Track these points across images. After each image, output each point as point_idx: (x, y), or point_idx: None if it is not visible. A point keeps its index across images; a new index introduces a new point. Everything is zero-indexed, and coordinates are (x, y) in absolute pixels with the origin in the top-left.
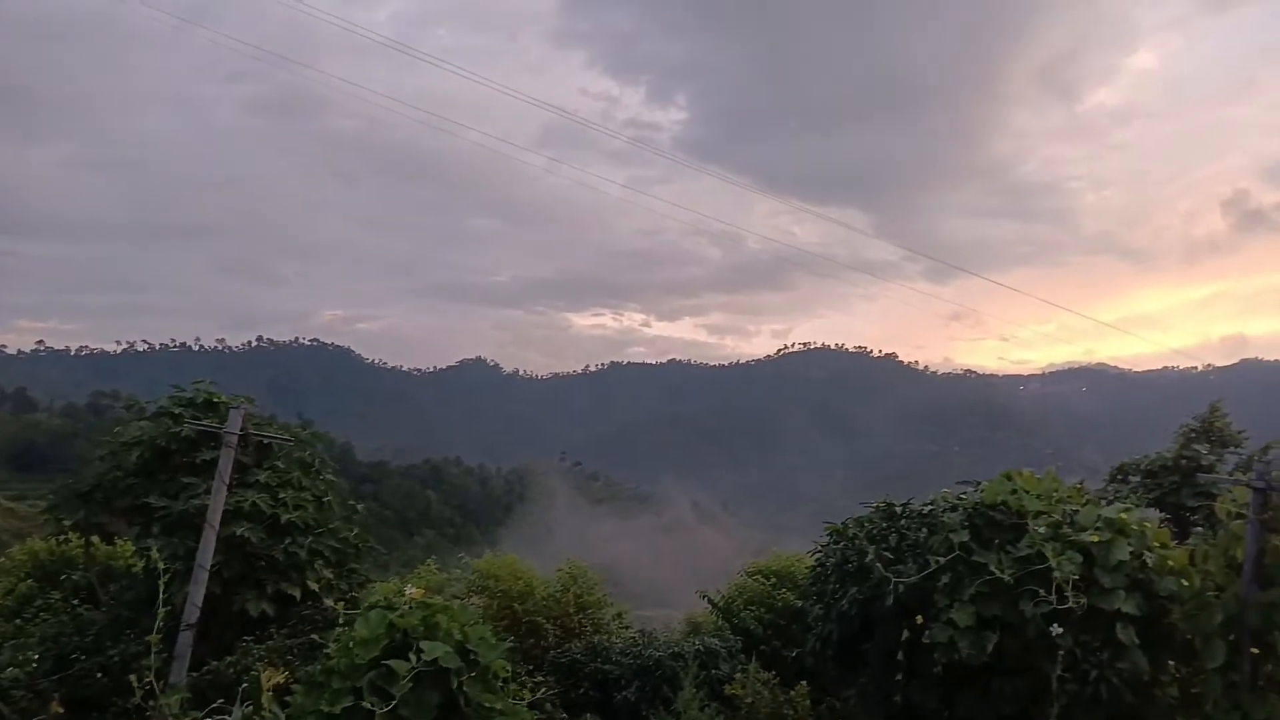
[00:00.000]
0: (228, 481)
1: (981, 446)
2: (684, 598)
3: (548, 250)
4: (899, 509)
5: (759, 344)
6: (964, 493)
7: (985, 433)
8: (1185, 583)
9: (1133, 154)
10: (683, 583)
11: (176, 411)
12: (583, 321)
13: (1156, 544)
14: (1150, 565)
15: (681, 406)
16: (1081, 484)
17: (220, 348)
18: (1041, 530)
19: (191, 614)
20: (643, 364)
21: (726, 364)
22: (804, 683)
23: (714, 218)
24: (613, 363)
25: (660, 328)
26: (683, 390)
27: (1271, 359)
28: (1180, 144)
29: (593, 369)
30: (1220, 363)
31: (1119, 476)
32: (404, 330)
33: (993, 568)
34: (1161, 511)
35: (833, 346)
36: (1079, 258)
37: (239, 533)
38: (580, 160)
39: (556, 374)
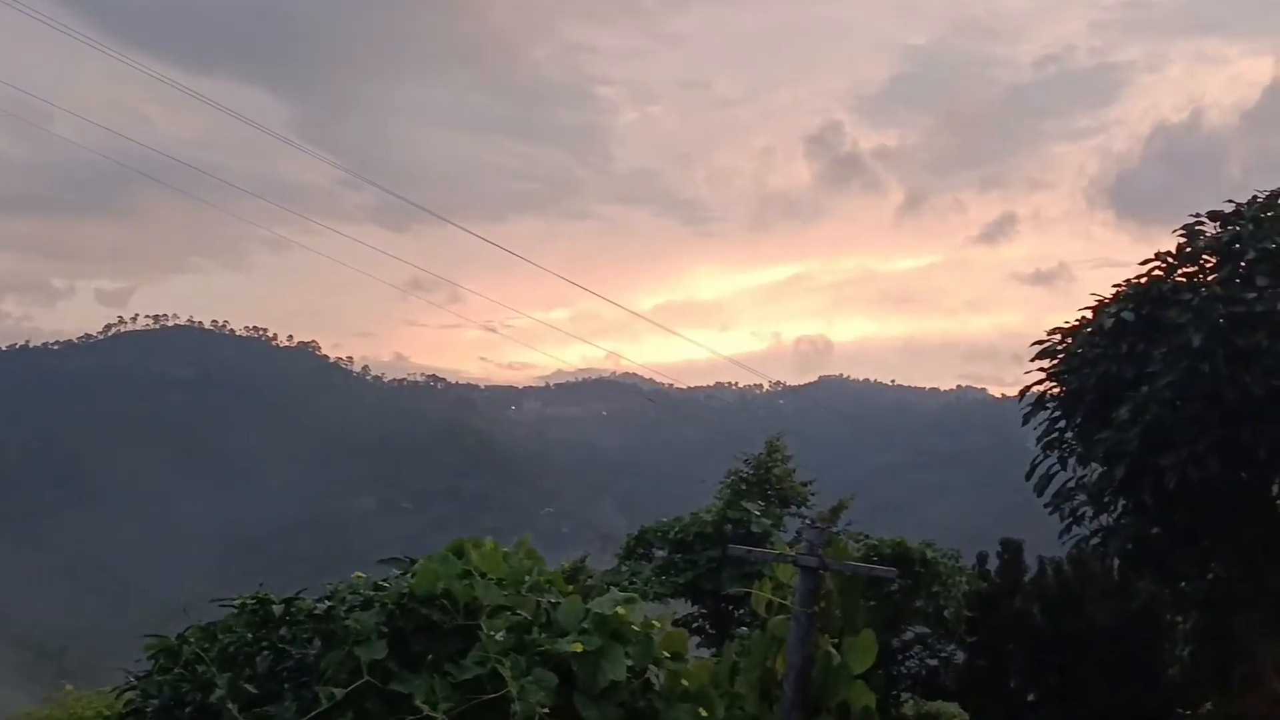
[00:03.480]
0: None
1: (450, 499)
2: None
3: None
4: (279, 607)
5: (75, 313)
6: (386, 577)
7: (456, 478)
8: (704, 712)
9: (691, 54)
10: None
11: None
12: None
13: (667, 654)
14: (657, 688)
15: None
16: (583, 561)
17: None
18: (500, 637)
19: None
20: None
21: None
22: None
23: None
24: None
25: None
26: None
27: (858, 377)
28: (756, 46)
29: None
30: (794, 380)
31: (639, 549)
32: None
33: (419, 700)
34: (695, 602)
35: (209, 325)
36: (608, 206)
37: None
38: None
39: None
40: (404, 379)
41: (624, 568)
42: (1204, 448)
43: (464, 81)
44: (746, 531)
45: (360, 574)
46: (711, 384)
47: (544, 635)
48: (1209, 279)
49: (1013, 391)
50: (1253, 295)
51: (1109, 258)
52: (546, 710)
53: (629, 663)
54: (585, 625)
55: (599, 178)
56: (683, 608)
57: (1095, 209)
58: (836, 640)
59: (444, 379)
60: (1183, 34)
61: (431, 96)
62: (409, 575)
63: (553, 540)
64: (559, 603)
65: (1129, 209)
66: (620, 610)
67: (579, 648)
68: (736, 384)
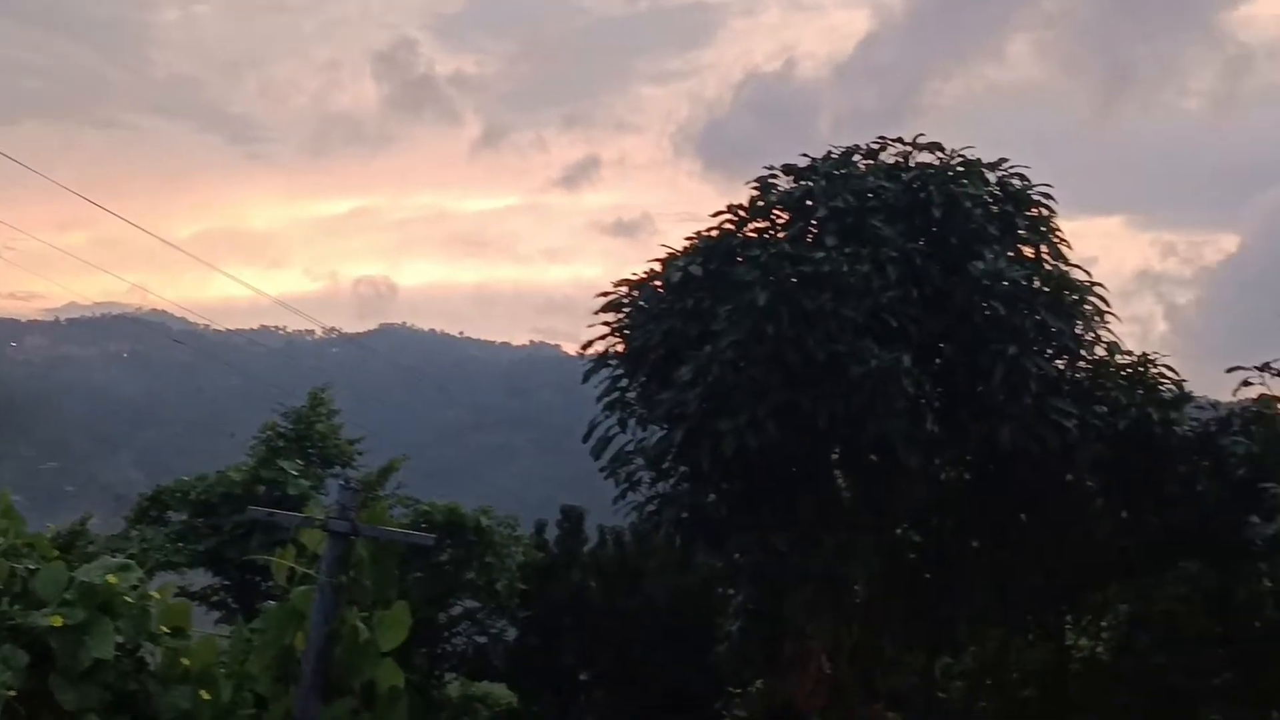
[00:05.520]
0: None
1: None
2: None
3: None
4: None
5: None
6: None
7: None
8: (205, 695)
9: None
10: None
11: None
12: None
13: (167, 629)
14: (151, 668)
15: None
16: (84, 524)
17: None
18: None
19: None
20: None
21: None
22: None
23: None
24: None
25: None
26: None
27: (423, 327)
28: None
29: None
30: (352, 327)
31: (154, 512)
32: None
33: None
34: (218, 573)
35: None
36: (141, 116)
37: None
38: None
39: None
40: None
41: (134, 533)
42: (764, 413)
43: None
44: (282, 494)
45: None
46: (255, 327)
47: (17, 607)
48: (780, 235)
49: (591, 352)
50: (821, 255)
51: (694, 211)
52: (14, 693)
53: (119, 639)
54: (68, 596)
55: (131, 81)
56: (203, 579)
57: (682, 158)
58: (367, 614)
59: None
60: None
61: None
62: None
63: (55, 500)
64: (38, 569)
65: (717, 159)
66: (111, 579)
67: (58, 621)
68: (285, 328)
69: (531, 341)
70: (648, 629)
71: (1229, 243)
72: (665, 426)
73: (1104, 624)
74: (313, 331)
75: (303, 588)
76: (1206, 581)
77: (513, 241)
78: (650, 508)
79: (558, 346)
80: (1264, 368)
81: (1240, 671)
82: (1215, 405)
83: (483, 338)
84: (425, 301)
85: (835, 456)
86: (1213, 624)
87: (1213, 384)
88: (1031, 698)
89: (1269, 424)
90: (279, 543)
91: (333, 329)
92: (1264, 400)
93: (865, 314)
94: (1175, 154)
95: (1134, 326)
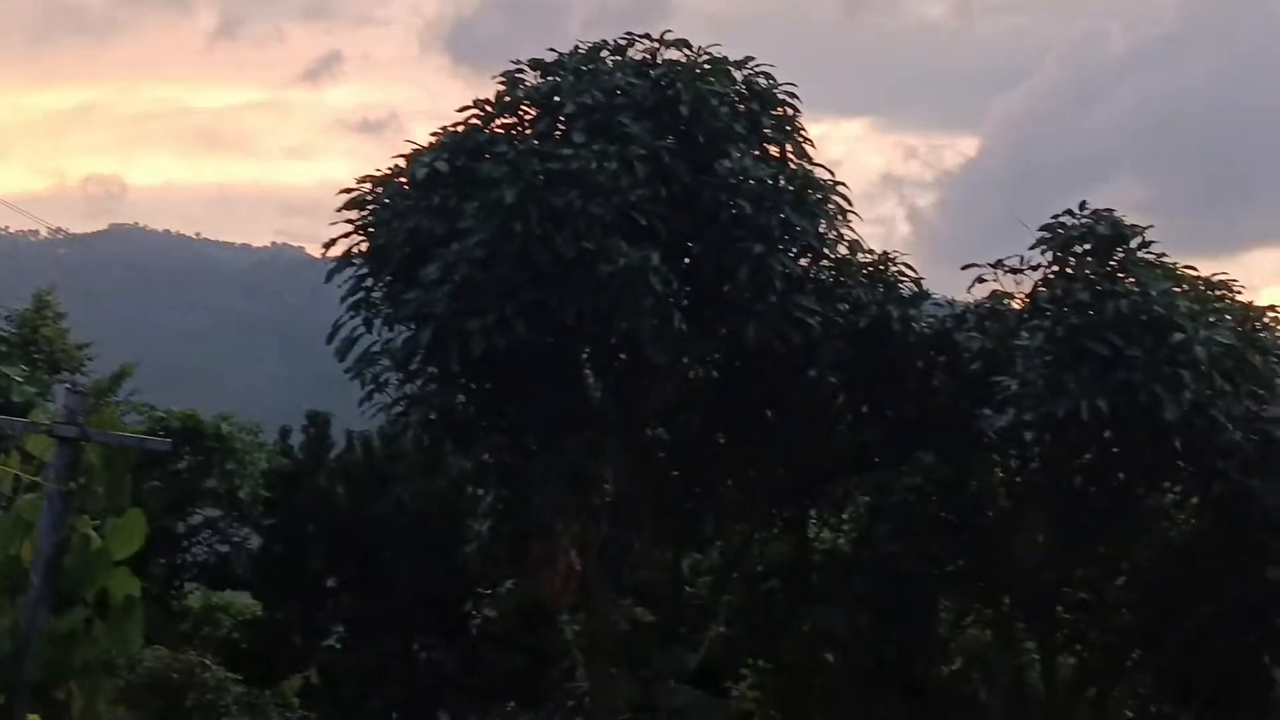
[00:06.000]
0: None
1: None
2: None
3: None
4: None
5: None
6: None
7: None
8: None
9: None
10: None
11: None
12: None
13: None
14: None
15: None
16: None
17: None
18: None
19: None
20: None
21: None
22: None
23: None
24: None
25: None
26: None
27: (157, 227)
28: None
29: None
30: (80, 228)
31: None
32: None
33: None
34: None
35: None
36: None
37: None
38: None
39: None
40: None
41: None
42: (512, 312)
43: None
44: (5, 400)
45: None
46: None
47: None
48: (527, 132)
49: (335, 253)
50: (569, 152)
51: (443, 110)
52: None
53: None
54: None
55: None
56: None
57: (430, 54)
58: (98, 522)
59: None
60: None
61: None
62: None
63: None
64: None
65: (465, 57)
66: None
67: None
68: (7, 229)
69: (274, 243)
70: (396, 533)
71: (968, 146)
72: (412, 327)
73: (844, 516)
74: (37, 232)
75: (29, 495)
76: (941, 473)
77: (252, 139)
78: (398, 409)
79: (302, 248)
80: (997, 264)
81: (972, 558)
82: (952, 303)
83: (222, 239)
84: (159, 201)
85: (584, 356)
86: (946, 514)
87: (951, 285)
88: (775, 589)
89: (1001, 320)
90: (2, 450)
91: (59, 229)
92: (996, 296)
93: (614, 212)
94: (918, 58)
95: (878, 228)
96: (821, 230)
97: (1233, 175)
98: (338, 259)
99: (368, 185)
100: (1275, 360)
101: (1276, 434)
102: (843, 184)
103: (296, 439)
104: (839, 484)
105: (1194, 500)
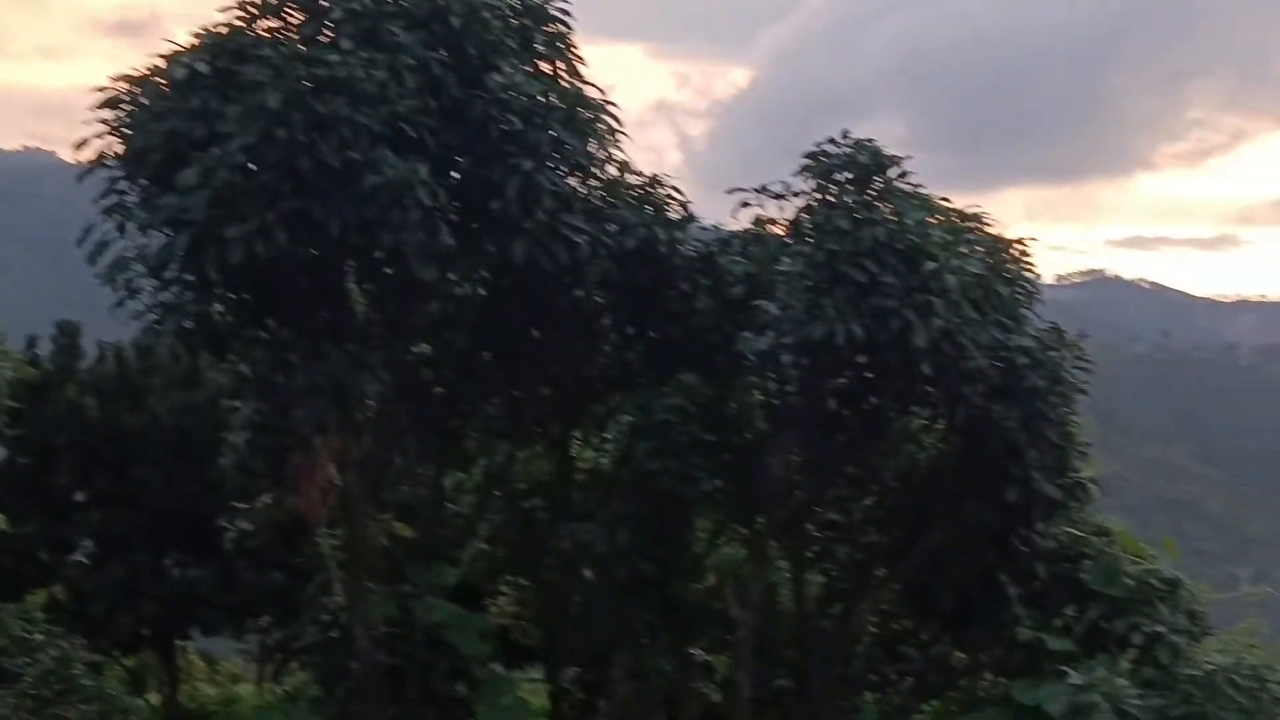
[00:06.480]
0: None
1: None
2: None
3: None
4: None
5: None
6: None
7: None
8: None
9: None
10: None
11: None
12: None
13: None
14: None
15: None
16: None
17: None
18: None
19: None
20: None
21: None
22: None
23: None
24: None
25: None
26: None
27: None
28: None
29: None
30: None
31: None
32: None
33: None
34: None
35: None
36: None
37: None
38: None
39: None
40: None
41: None
42: (274, 220)
43: None
44: None
45: None
46: None
47: None
48: (293, 35)
49: (88, 157)
50: (336, 59)
51: (204, 13)
52: None
53: None
54: None
55: None
56: None
57: None
58: None
59: None
60: None
61: None
62: None
63: None
64: None
65: None
66: None
67: None
68: None
69: (25, 147)
70: (151, 447)
71: (740, 76)
72: (168, 232)
73: (606, 435)
74: None
75: None
76: (701, 394)
77: (3, 38)
78: (152, 317)
79: (54, 153)
80: (762, 190)
81: (729, 478)
82: (718, 228)
83: None
84: None
85: (349, 268)
86: (705, 434)
87: (719, 213)
88: (537, 507)
89: (764, 245)
90: None
91: None
92: (760, 221)
93: (381, 122)
94: None
95: (650, 155)
96: (591, 150)
97: (990, 117)
98: (90, 162)
99: (124, 85)
100: (1021, 291)
101: (1019, 362)
102: (614, 104)
103: (46, 349)
104: (602, 403)
105: (940, 424)
